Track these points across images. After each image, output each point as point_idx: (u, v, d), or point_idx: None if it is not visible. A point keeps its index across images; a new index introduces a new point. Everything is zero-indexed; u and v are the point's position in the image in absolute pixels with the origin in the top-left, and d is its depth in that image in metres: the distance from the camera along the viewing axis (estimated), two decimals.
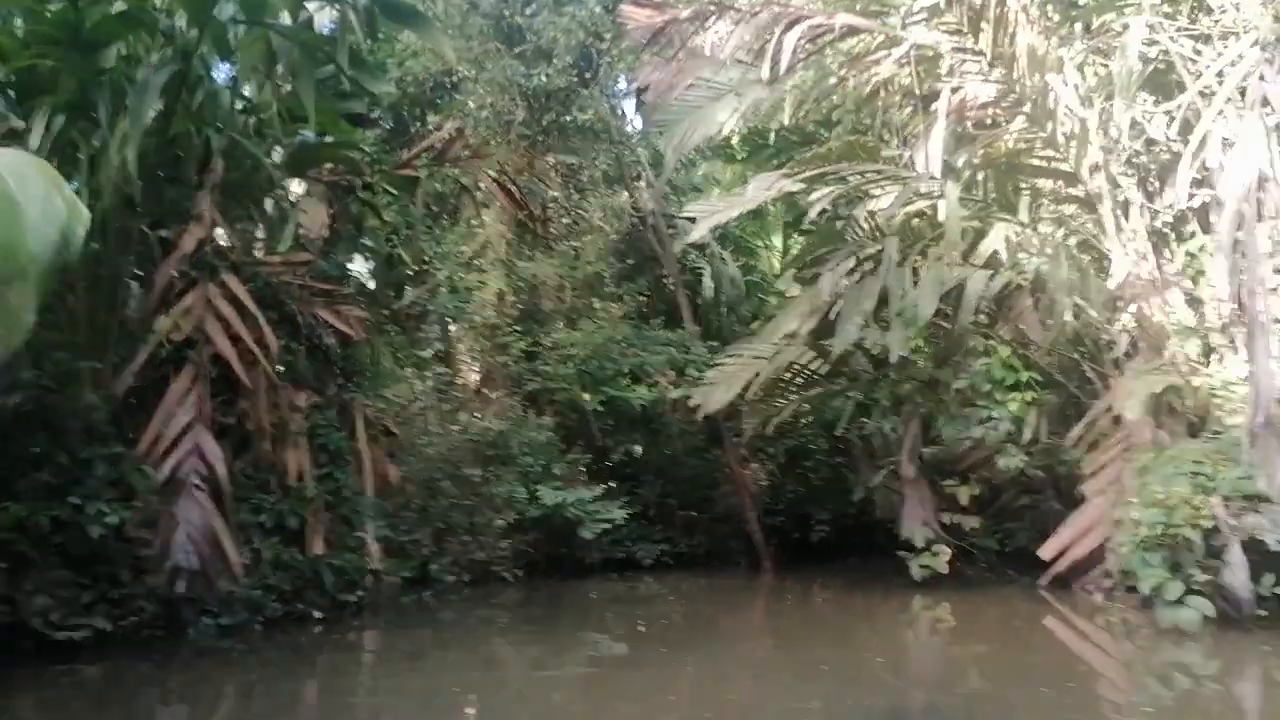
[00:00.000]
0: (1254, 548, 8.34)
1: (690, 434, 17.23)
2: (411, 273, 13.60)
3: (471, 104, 14.81)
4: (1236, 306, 11.53)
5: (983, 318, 12.51)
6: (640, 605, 13.69)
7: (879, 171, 11.42)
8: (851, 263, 12.97)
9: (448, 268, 15.07)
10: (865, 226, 12.22)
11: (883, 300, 12.27)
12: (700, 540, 16.62)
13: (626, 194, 16.88)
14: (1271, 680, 7.55)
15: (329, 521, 10.27)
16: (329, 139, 11.62)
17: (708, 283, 20.03)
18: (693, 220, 18.58)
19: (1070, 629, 10.25)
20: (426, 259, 14.05)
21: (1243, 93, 9.42)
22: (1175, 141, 11.79)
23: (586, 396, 14.61)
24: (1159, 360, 11.71)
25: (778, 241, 21.44)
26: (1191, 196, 11.14)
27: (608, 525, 14.16)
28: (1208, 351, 11.68)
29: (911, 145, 11.80)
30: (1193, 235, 11.91)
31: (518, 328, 15.85)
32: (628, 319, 16.55)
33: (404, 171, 12.98)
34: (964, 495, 12.52)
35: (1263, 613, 8.25)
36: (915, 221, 12.27)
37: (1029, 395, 11.36)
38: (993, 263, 12.31)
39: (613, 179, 17.15)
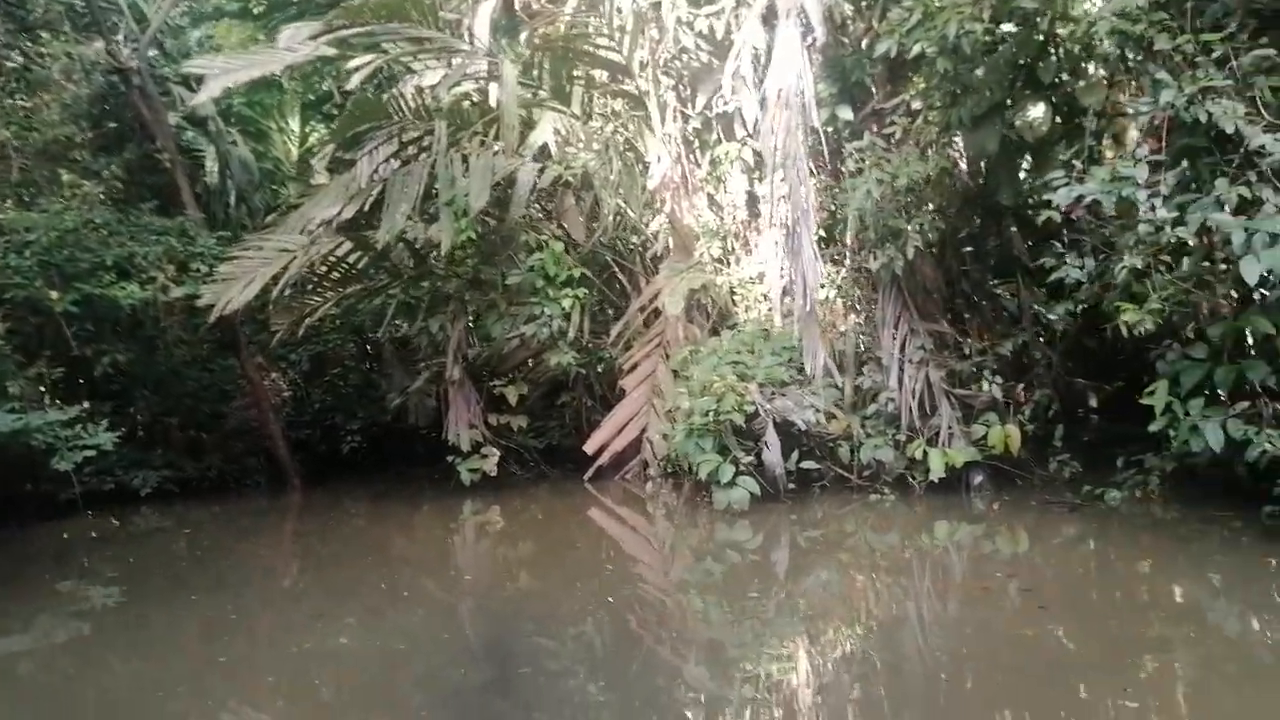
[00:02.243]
0: (783, 429, 9.14)
1: (192, 341, 14.79)
2: None
3: None
4: (749, 212, 12.73)
5: (535, 211, 12.13)
6: (136, 544, 11.50)
7: (428, 40, 10.26)
8: (394, 145, 11.74)
9: None
10: (412, 105, 11.02)
11: (429, 189, 11.32)
12: (211, 462, 14.45)
13: (101, 43, 13.49)
14: (797, 546, 8.38)
15: None
16: None
17: (210, 165, 17.22)
18: (195, 84, 15.69)
19: (618, 520, 10.55)
20: None
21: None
22: (706, 51, 12.40)
23: (54, 295, 11.52)
24: (690, 260, 12.42)
25: (295, 125, 19.08)
26: (722, 104, 11.77)
27: (91, 452, 11.47)
28: (727, 253, 12.67)
29: (465, 15, 10.80)
30: (718, 142, 12.68)
31: None
32: (108, 201, 13.44)
33: None
34: (512, 395, 12.25)
35: (792, 486, 9.13)
36: (466, 104, 11.38)
37: (580, 292, 11.29)
38: (542, 155, 11.98)
39: (82, 21, 13.60)
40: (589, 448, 12.27)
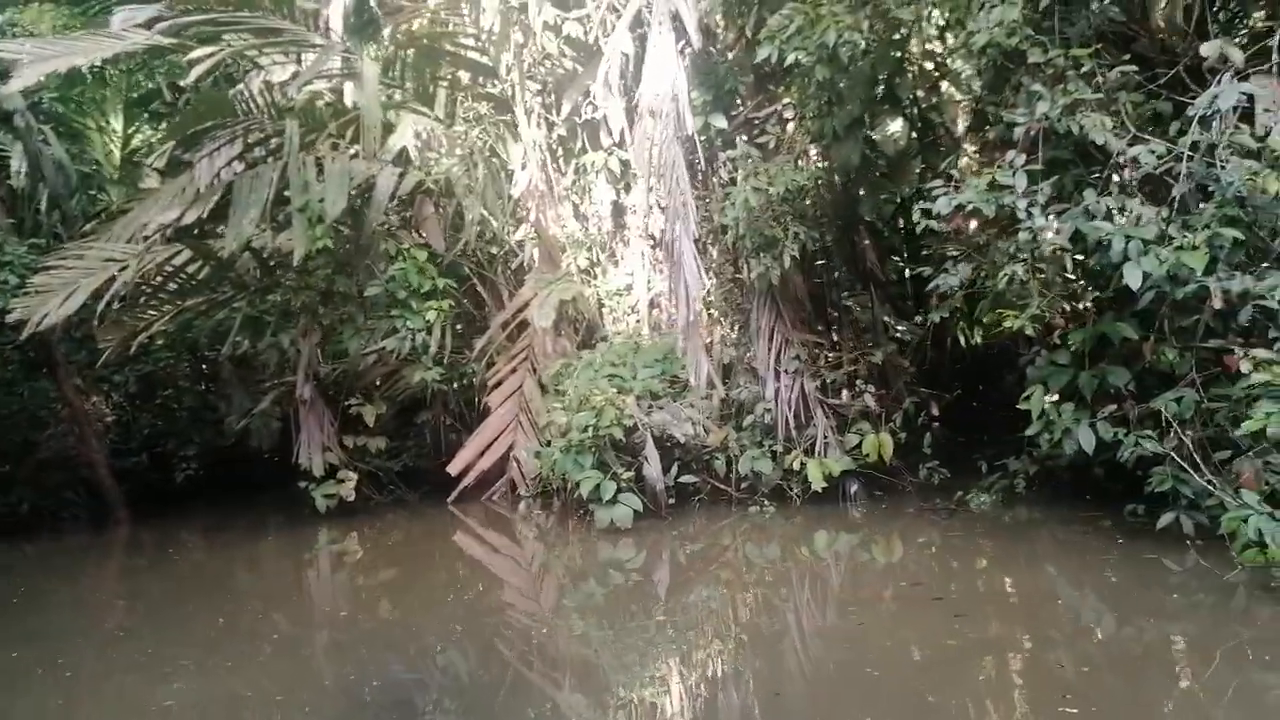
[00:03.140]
0: (660, 443, 8.92)
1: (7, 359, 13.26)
2: None
3: None
4: (614, 223, 12.54)
5: (393, 220, 11.49)
6: None
7: (278, 33, 9.53)
8: (239, 147, 10.87)
9: None
10: (260, 103, 10.22)
11: (280, 194, 10.52)
12: (22, 495, 12.97)
13: None
14: (681, 563, 8.14)
15: None
16: None
17: (17, 166, 15.57)
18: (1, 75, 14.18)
19: (488, 544, 10.03)
20: None
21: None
22: (571, 57, 12.15)
23: None
24: (557, 271, 12.09)
25: (117, 125, 17.51)
26: (589, 111, 11.54)
27: None
28: (593, 264, 12.42)
29: (321, 5, 10.10)
30: (583, 151, 12.43)
31: None
32: None
33: None
34: (369, 415, 11.52)
35: (672, 501, 8.90)
36: (319, 104, 10.67)
37: (444, 304, 10.75)
38: (401, 160, 11.38)
39: None
40: (453, 468, 11.69)
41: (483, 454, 11.66)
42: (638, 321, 11.85)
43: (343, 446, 11.67)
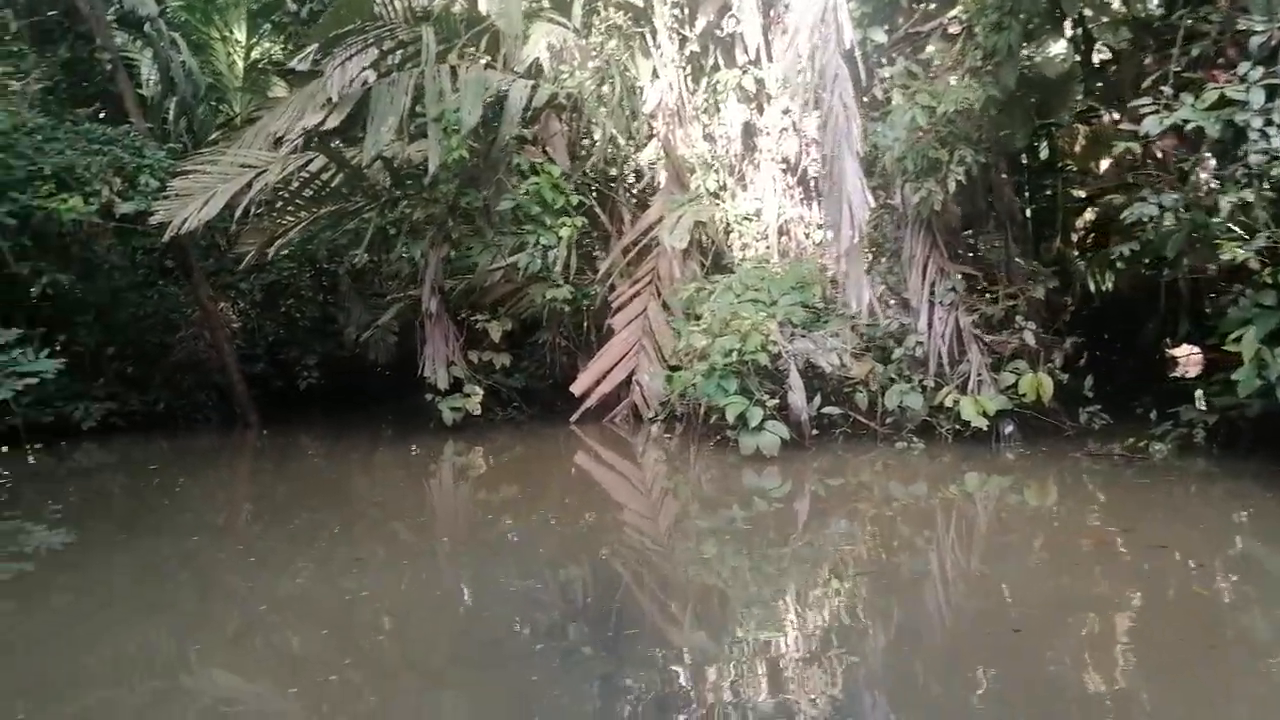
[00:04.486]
0: (803, 372, 8.64)
1: (131, 265, 13.62)
2: None
3: None
4: (744, 144, 12.09)
5: (526, 133, 11.27)
6: (79, 481, 10.58)
7: None
8: (372, 55, 10.74)
9: None
10: (397, 8, 10.02)
11: (413, 105, 10.40)
12: (158, 395, 13.41)
13: None
14: (818, 494, 7.92)
15: None
16: None
17: (148, 73, 15.81)
18: None
19: (610, 464, 9.96)
20: None
21: None
22: None
23: None
24: (685, 193, 11.76)
25: (240, 34, 17.57)
26: (729, 25, 11.05)
27: (32, 380, 10.39)
28: (721, 187, 12.03)
29: None
30: (715, 69, 11.96)
31: None
32: (40, 103, 12.13)
33: None
34: (495, 331, 11.49)
35: (815, 432, 8.66)
36: (455, 11, 10.42)
37: (578, 221, 10.54)
38: (532, 72, 11.11)
39: None
40: (575, 389, 11.65)
41: (605, 376, 11.58)
42: (767, 248, 11.50)
43: (467, 361, 11.70)
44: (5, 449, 10.67)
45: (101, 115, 12.66)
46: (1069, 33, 10.24)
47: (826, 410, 8.70)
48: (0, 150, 10.78)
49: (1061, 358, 8.58)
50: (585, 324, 12.60)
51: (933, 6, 9.26)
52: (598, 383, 11.57)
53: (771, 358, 8.49)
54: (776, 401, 8.41)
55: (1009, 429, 8.46)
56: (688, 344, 9.02)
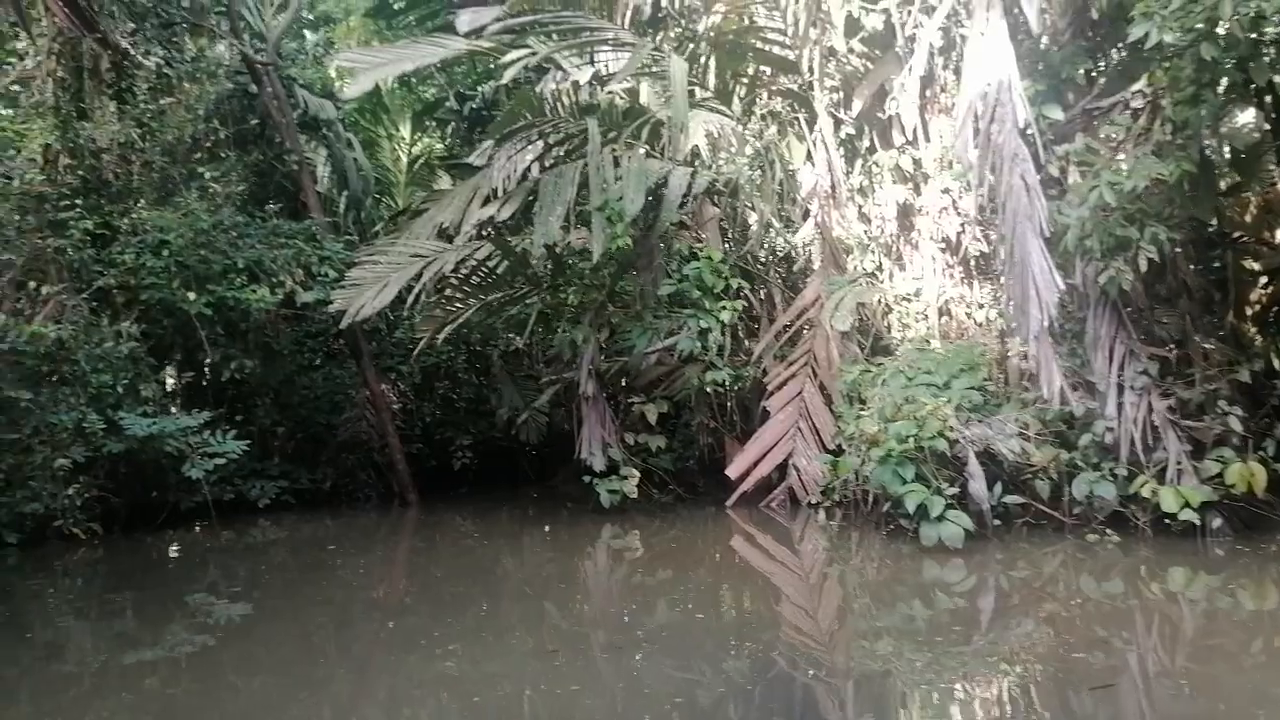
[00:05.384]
0: (982, 459, 8.29)
1: (303, 350, 14.44)
2: None
3: None
4: (900, 224, 11.93)
5: (687, 219, 11.47)
6: (255, 556, 11.07)
7: (593, 30, 9.67)
8: (539, 147, 11.21)
9: None
10: (565, 102, 10.46)
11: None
12: (324, 474, 14.03)
13: (234, 41, 13.21)
14: (1002, 588, 7.48)
15: None
16: None
17: (322, 170, 16.97)
18: (331, 86, 15.44)
19: (767, 550, 9.72)
20: None
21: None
22: (858, 54, 11.70)
23: (192, 296, 11.15)
24: (840, 274, 11.67)
25: (405, 132, 18.78)
26: (890, 108, 11.04)
27: (221, 460, 11.08)
28: (878, 267, 11.88)
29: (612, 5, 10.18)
30: (871, 150, 11.94)
31: (78, 201, 11.68)
32: (235, 203, 13.14)
33: None
34: (651, 413, 11.56)
35: (997, 522, 8.26)
36: (617, 104, 10.80)
37: (738, 304, 10.58)
38: (688, 159, 11.35)
39: (212, 20, 13.38)
40: (732, 472, 11.52)
41: (762, 459, 11.43)
42: (928, 329, 11.23)
43: (623, 443, 11.78)
44: (197, 527, 11.34)
45: (284, 211, 13.60)
46: (1257, 101, 9.76)
47: (1007, 499, 8.28)
48: (202, 247, 11.72)
49: (1275, 445, 7.92)
50: (729, 405, 12.57)
51: (1106, 82, 9.00)
52: (753, 466, 11.42)
53: (949, 444, 8.18)
54: (955, 490, 8.06)
55: (1217, 522, 7.83)
56: (856, 429, 8.80)
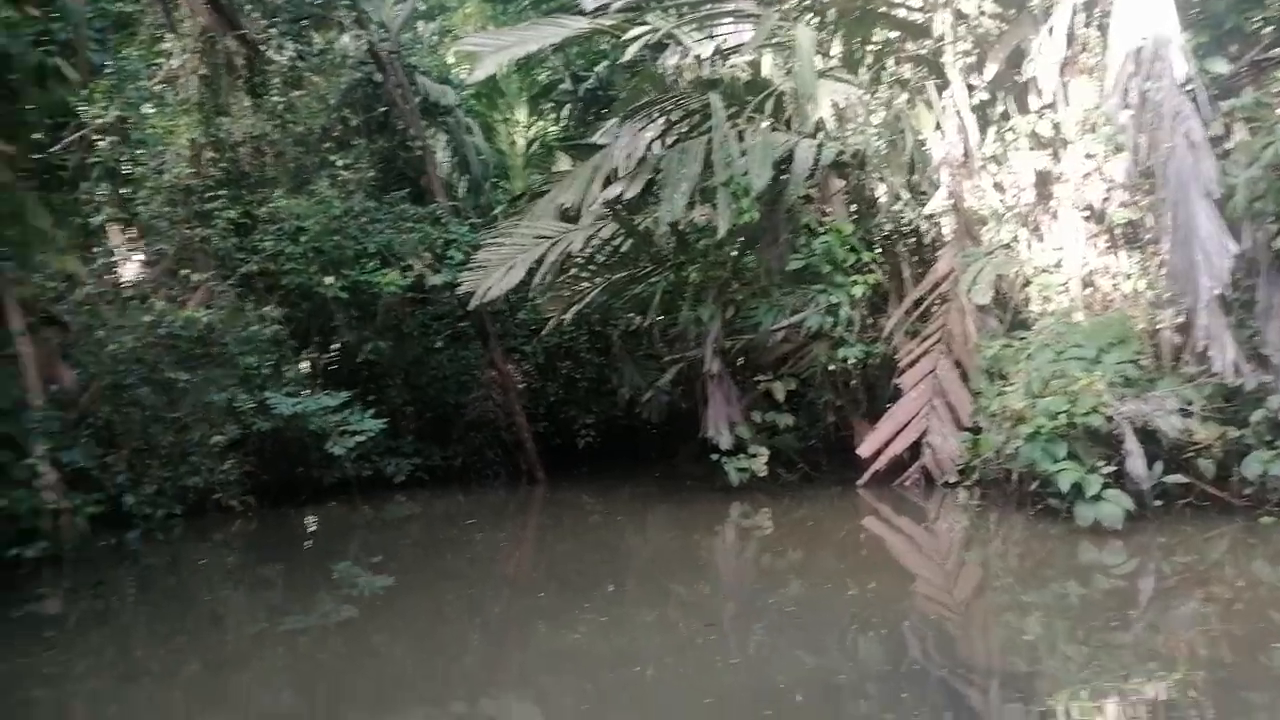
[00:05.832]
0: (1140, 436, 7.87)
1: (431, 331, 14.80)
2: (76, 98, 9.59)
3: None
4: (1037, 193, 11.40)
5: (813, 192, 11.24)
6: (393, 531, 11.54)
7: (716, 4, 9.51)
8: (660, 124, 11.13)
9: (118, 104, 11.10)
10: (687, 77, 10.36)
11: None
12: (454, 452, 14.38)
13: (361, 33, 13.56)
14: (1163, 572, 7.12)
15: None
16: None
17: (441, 156, 17.31)
18: (448, 73, 15.73)
19: (903, 530, 9.52)
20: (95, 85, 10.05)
21: None
22: (989, 14, 11.19)
23: (329, 281, 11.56)
24: (974, 245, 11.25)
25: (521, 116, 18.98)
26: (1028, 71, 10.54)
27: (361, 438, 11.49)
28: (1014, 238, 11.39)
29: None
30: (1005, 116, 11.43)
31: (222, 192, 12.22)
32: (363, 189, 13.53)
33: None
34: (779, 391, 11.40)
35: (1158, 503, 7.85)
36: (740, 77, 10.63)
37: (870, 278, 10.32)
38: (813, 131, 11.09)
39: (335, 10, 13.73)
40: (864, 450, 11.28)
41: (894, 438, 11.17)
42: (1070, 300, 10.72)
43: (749, 421, 11.67)
44: (338, 502, 11.81)
45: (408, 197, 13.94)
46: None
47: (1167, 479, 7.84)
48: (335, 233, 12.12)
49: None
50: (851, 383, 12.30)
51: (1276, 31, 8.37)
52: (886, 444, 11.16)
53: (1105, 420, 7.79)
54: (1111, 469, 7.68)
55: None
56: (999, 405, 8.47)
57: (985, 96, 11.43)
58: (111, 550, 8.90)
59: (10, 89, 7.62)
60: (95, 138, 10.83)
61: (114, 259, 11.49)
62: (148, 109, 11.54)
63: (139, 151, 11.69)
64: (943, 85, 10.67)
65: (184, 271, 11.52)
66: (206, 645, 6.36)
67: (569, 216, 12.16)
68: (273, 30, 12.67)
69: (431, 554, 9.99)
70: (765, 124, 10.85)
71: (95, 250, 11.36)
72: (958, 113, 11.20)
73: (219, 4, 10.20)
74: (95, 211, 11.34)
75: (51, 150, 9.16)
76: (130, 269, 12.55)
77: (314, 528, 11.20)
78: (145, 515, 9.57)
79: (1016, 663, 5.48)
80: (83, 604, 7.55)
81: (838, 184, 12.10)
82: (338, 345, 12.68)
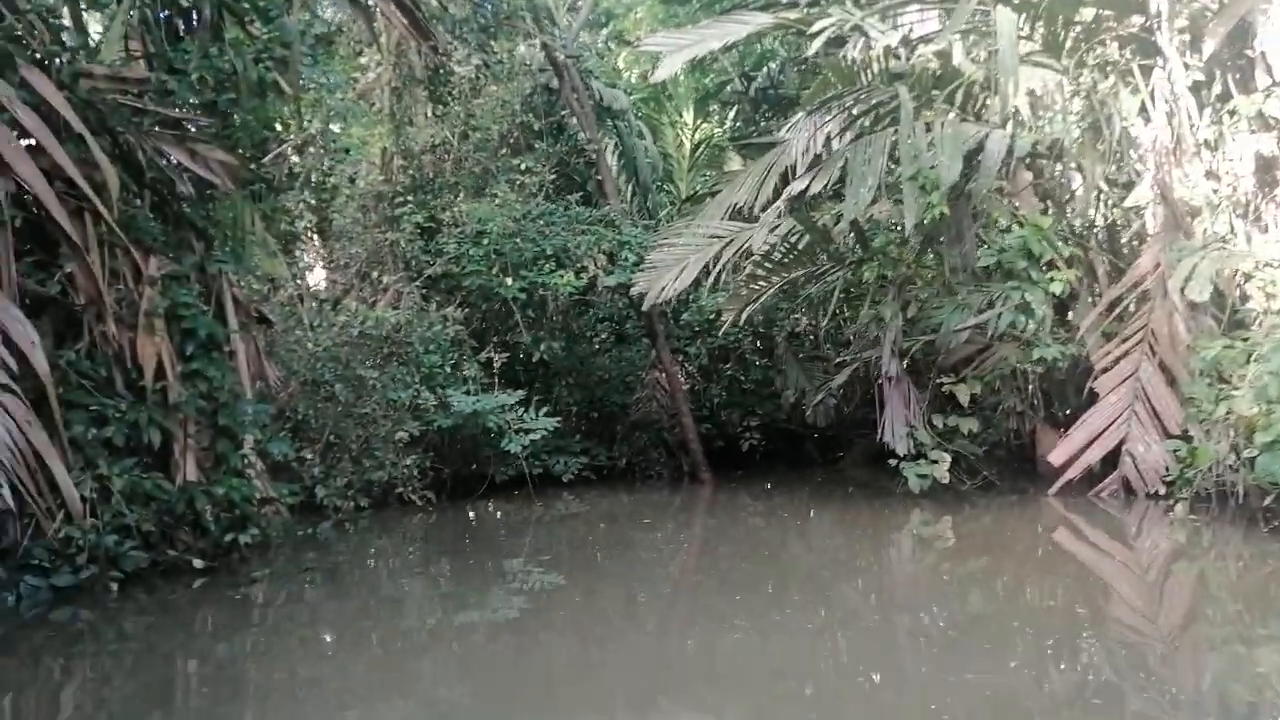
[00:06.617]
0: None
1: (599, 330, 14.99)
2: (289, 111, 10.22)
3: None
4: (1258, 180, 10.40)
5: (1006, 185, 10.68)
6: (563, 528, 11.59)
7: None
8: (840, 120, 10.82)
9: (320, 115, 11.78)
10: (875, 69, 10.02)
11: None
12: (621, 451, 14.49)
13: (542, 38, 13.88)
14: None
15: (204, 436, 7.32)
16: None
17: (610, 161, 17.51)
18: (616, 79, 15.88)
19: (1099, 546, 8.81)
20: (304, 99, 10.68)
21: None
22: None
23: (509, 282, 11.86)
24: (1185, 238, 10.37)
25: (688, 117, 18.98)
26: (1238, 48, 9.66)
27: (536, 436, 11.72)
28: (1232, 230, 10.43)
29: None
30: (1225, 97, 10.50)
31: (409, 198, 12.76)
32: (540, 193, 13.83)
33: None
34: (963, 394, 10.86)
35: None
36: (929, 68, 10.20)
37: (1071, 274, 9.67)
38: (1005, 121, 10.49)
39: (517, 20, 14.13)
40: (1055, 458, 10.59)
41: (1090, 445, 10.43)
42: None
43: (930, 426, 11.18)
44: (510, 499, 12.08)
45: (580, 200, 14.16)
46: None
47: None
48: (514, 236, 12.44)
49: None
50: (1030, 386, 11.58)
51: None
52: (1080, 452, 10.45)
53: None
54: None
55: None
56: (1225, 411, 7.73)
57: (1199, 77, 10.56)
58: (307, 539, 9.38)
59: (234, 103, 8.16)
60: (300, 148, 11.53)
61: (311, 263, 12.17)
62: (346, 121, 12.18)
63: (338, 162, 12.37)
64: (1150, 67, 9.88)
65: (374, 274, 12.08)
66: (387, 631, 6.56)
67: (741, 216, 12.02)
68: (458, 42, 13.16)
69: (599, 553, 10.07)
70: (952, 115, 10.37)
71: (294, 254, 12.07)
72: (1170, 95, 10.38)
73: (415, 17, 10.58)
74: (298, 219, 12.05)
75: (262, 161, 9.75)
76: (319, 273, 13.32)
77: (488, 524, 11.47)
78: (336, 507, 10.06)
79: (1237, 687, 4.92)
80: (289, 589, 7.97)
81: (1026, 176, 11.46)
82: (509, 345, 12.95)
